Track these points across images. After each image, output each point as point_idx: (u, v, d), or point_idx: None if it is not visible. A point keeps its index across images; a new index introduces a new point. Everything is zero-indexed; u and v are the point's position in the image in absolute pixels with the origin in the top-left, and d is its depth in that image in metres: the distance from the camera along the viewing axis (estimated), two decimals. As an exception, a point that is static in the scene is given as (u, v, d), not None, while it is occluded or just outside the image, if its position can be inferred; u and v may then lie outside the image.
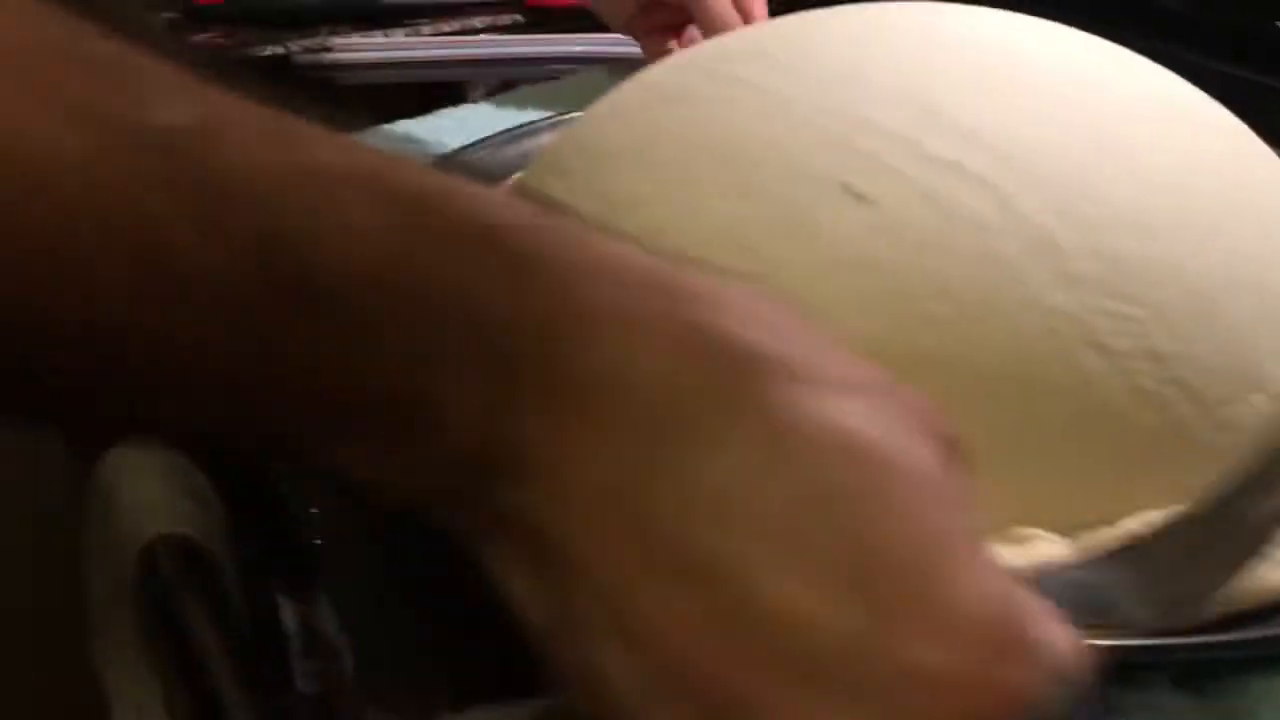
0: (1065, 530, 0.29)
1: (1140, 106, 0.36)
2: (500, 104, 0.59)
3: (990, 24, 0.38)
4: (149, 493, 0.44)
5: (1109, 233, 0.31)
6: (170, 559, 0.41)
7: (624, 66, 0.62)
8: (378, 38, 0.70)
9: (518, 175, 0.41)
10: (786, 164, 0.31)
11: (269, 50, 0.68)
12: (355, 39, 0.69)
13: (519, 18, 0.74)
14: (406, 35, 0.71)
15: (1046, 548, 0.28)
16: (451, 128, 0.57)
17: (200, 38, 0.69)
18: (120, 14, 0.22)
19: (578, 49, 0.68)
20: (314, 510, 0.42)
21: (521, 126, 0.52)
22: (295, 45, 0.68)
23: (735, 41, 0.38)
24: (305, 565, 0.49)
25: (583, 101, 0.60)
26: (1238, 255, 0.33)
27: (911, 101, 0.33)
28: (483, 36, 0.70)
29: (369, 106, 0.67)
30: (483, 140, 0.51)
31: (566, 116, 0.53)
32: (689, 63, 0.37)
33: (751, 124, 0.33)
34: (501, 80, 0.69)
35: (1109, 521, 0.29)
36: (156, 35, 0.46)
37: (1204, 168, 0.34)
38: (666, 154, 0.33)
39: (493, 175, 0.49)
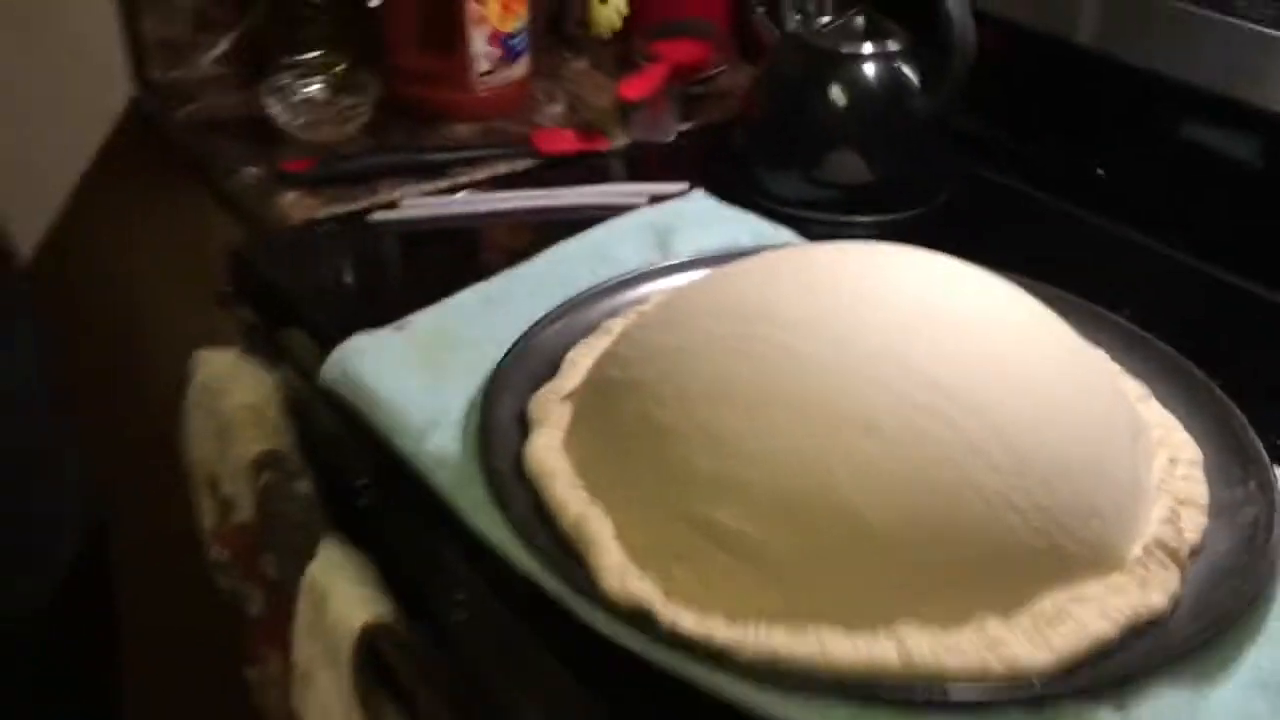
0: (1005, 615, 0.51)
1: (1025, 343, 0.58)
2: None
3: (929, 277, 0.60)
4: (352, 589, 0.64)
5: (1013, 435, 0.52)
6: (383, 638, 0.61)
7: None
8: (430, 190, 0.89)
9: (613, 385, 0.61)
10: (830, 409, 0.52)
11: (346, 209, 0.86)
12: (418, 197, 0.87)
13: (534, 162, 0.94)
14: (449, 185, 0.90)
15: (995, 627, 0.50)
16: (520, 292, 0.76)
17: (289, 197, 0.87)
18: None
19: (606, 199, 0.87)
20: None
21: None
22: (366, 202, 0.87)
23: (770, 303, 0.58)
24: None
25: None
26: (1076, 431, 0.55)
27: (894, 358, 0.54)
28: (524, 191, 0.89)
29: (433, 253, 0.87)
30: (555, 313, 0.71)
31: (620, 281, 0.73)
32: (737, 316, 0.57)
33: (803, 379, 0.53)
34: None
35: (1029, 606, 0.51)
36: None
37: (1059, 379, 0.57)
38: (748, 398, 0.53)
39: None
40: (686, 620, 0.51)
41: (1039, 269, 0.70)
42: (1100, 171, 0.92)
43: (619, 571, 0.53)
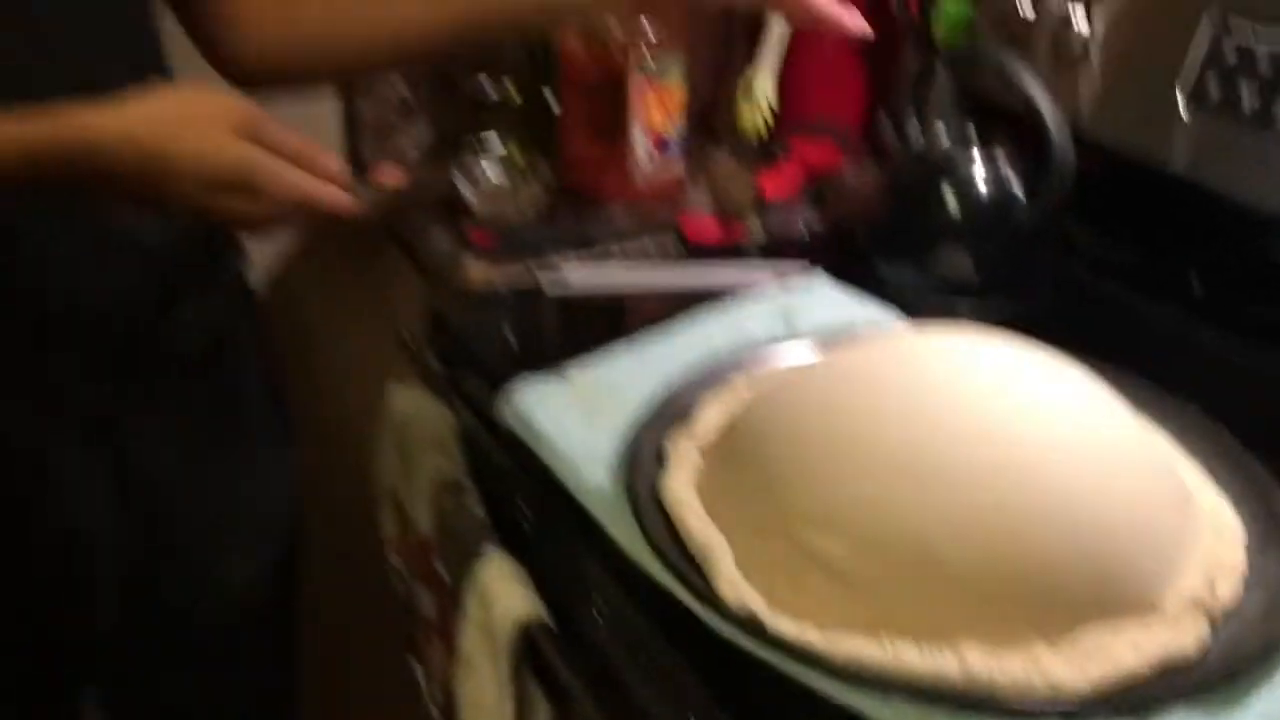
0: (1051, 642, 0.61)
1: (1090, 421, 0.68)
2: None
3: (1012, 359, 0.71)
4: (514, 592, 0.77)
5: (1072, 497, 0.63)
6: (537, 633, 0.75)
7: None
8: (590, 264, 1.04)
9: (730, 424, 0.74)
10: (919, 464, 0.64)
11: (519, 276, 1.02)
12: (580, 269, 1.02)
13: (680, 244, 1.08)
14: (606, 260, 1.05)
15: (1041, 652, 0.61)
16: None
17: (471, 262, 1.03)
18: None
19: (741, 279, 1.00)
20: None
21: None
22: (536, 270, 1.02)
23: (876, 374, 0.70)
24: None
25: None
26: (1127, 498, 0.66)
27: (975, 427, 0.65)
28: (669, 269, 1.03)
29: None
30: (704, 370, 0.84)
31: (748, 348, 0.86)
32: (848, 383, 0.69)
33: (897, 437, 0.65)
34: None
35: (1072, 637, 0.61)
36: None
37: (1116, 454, 0.67)
38: (850, 451, 0.65)
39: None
40: (787, 626, 0.63)
41: (1125, 362, 0.80)
42: (1193, 281, 1.02)
43: (734, 584, 0.66)
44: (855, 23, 0.86)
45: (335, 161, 0.73)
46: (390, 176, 0.79)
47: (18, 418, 0.81)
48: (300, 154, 0.71)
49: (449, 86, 1.19)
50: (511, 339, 0.98)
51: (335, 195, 0.72)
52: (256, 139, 0.70)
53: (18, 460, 0.81)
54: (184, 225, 0.85)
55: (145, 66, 0.81)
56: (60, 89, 0.69)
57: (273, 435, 0.96)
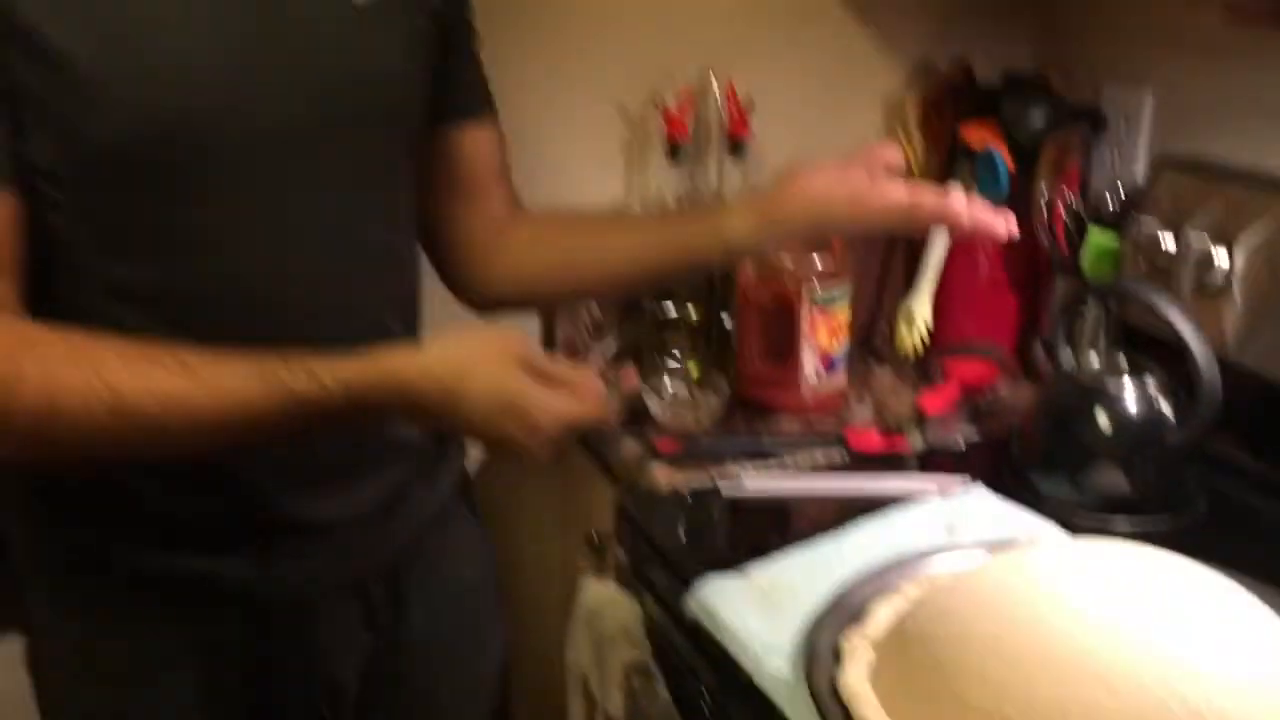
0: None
1: (1242, 634, 0.74)
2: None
3: (1168, 575, 0.77)
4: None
5: (1222, 710, 0.68)
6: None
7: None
8: (764, 470, 1.14)
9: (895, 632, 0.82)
10: (1079, 670, 0.69)
11: (700, 480, 1.12)
12: (754, 475, 1.12)
13: (845, 454, 1.17)
14: (777, 467, 1.15)
15: None
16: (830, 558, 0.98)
17: (657, 468, 1.14)
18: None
19: (904, 489, 1.09)
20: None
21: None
22: (716, 476, 1.12)
23: (1035, 584, 0.77)
24: None
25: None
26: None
27: (1133, 638, 0.71)
28: (836, 477, 1.12)
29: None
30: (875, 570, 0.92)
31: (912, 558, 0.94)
32: (1009, 591, 0.77)
33: (1058, 644, 0.71)
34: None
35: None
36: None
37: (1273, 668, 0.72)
38: (1013, 654, 0.72)
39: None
40: (956, 813, 0.69)
41: (1276, 577, 0.85)
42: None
43: (908, 771, 0.72)
44: (1008, 226, 0.95)
45: (594, 379, 0.85)
46: (631, 380, 0.91)
47: (280, 578, 0.93)
48: (565, 379, 0.84)
49: (635, 308, 1.34)
50: (692, 537, 1.08)
51: (595, 411, 0.84)
52: (529, 369, 0.82)
53: (284, 614, 0.94)
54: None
55: (411, 311, 0.98)
56: (350, 335, 0.84)
57: (488, 603, 1.08)
